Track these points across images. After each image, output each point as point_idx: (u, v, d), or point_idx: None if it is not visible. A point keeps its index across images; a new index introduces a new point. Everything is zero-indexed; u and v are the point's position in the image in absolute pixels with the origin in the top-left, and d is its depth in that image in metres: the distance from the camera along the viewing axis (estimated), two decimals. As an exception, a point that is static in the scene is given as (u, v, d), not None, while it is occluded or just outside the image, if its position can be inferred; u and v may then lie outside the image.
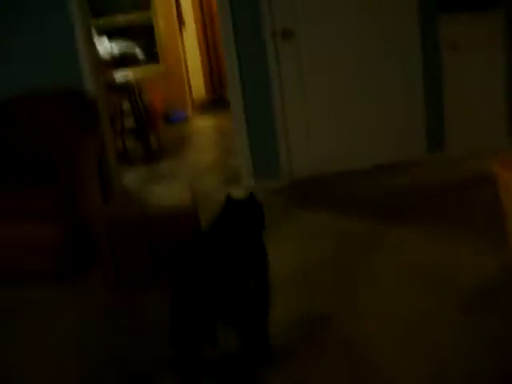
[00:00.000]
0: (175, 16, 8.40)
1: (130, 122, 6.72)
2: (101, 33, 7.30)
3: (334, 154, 4.64)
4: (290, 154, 4.62)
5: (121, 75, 6.88)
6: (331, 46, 4.49)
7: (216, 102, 8.86)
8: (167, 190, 4.11)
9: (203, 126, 7.88)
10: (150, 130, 6.63)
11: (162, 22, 8.26)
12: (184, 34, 8.82)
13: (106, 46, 6.94)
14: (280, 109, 4.53)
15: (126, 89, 6.53)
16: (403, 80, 4.57)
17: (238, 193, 2.93)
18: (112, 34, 7.54)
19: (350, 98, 4.59)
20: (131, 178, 5.51)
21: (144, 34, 8.39)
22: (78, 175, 3.68)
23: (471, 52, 4.52)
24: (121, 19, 8.21)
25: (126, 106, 6.64)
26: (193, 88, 9.02)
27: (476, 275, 2.92)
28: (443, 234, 3.43)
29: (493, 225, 3.21)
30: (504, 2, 4.50)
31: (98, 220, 3.34)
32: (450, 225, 3.55)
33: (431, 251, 3.24)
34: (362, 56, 4.53)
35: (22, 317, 3.20)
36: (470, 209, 3.74)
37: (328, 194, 4.38)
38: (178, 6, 8.56)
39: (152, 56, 8.31)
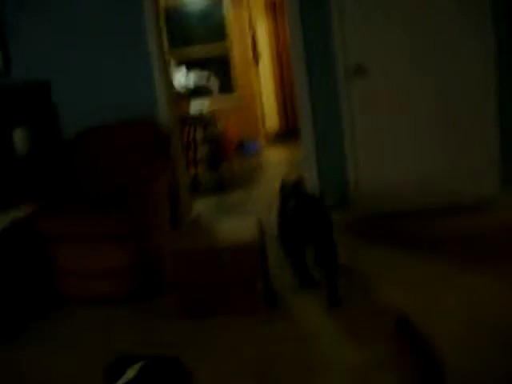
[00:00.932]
0: (251, 48, 8.56)
1: (203, 152, 6.87)
2: (179, 63, 7.52)
3: (403, 191, 4.53)
4: (358, 189, 4.56)
5: (195, 105, 7.04)
6: (404, 83, 4.42)
7: (288, 133, 8.91)
8: (236, 222, 4.14)
9: (275, 157, 7.93)
10: (223, 160, 6.73)
11: (238, 54, 8.43)
12: (259, 65, 8.97)
13: (182, 77, 7.13)
14: (350, 144, 4.49)
15: (200, 118, 6.68)
16: (476, 116, 4.42)
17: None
18: (190, 65, 7.75)
19: (421, 135, 4.49)
20: (202, 207, 5.58)
21: (220, 65, 8.60)
22: (149, 203, 3.77)
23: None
24: (198, 50, 8.46)
25: (200, 135, 6.79)
26: (266, 119, 9.12)
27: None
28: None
29: None
30: None
31: (166, 248, 3.40)
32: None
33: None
34: (435, 93, 4.43)
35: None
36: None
37: (395, 232, 4.28)
38: (254, 38, 8.72)
39: (227, 87, 8.49)
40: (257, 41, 8.87)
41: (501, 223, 4.17)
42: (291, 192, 3.60)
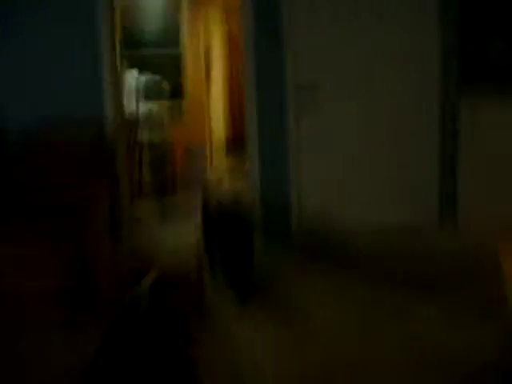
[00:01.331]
0: (203, 55, 8.56)
1: (148, 155, 6.81)
2: (131, 66, 7.45)
3: (345, 211, 4.61)
4: (301, 206, 4.61)
5: (144, 107, 6.99)
6: (352, 102, 4.53)
7: (235, 142, 8.94)
8: (177, 229, 4.12)
9: (221, 164, 7.94)
10: (168, 165, 6.69)
11: (191, 60, 8.41)
12: (211, 73, 8.97)
13: (133, 78, 7.07)
14: (295, 158, 4.56)
15: (148, 120, 6.63)
16: (421, 145, 4.56)
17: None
18: (141, 68, 7.69)
19: (365, 156, 4.59)
20: (144, 210, 5.53)
21: (172, 70, 8.55)
22: (89, 224, 3.69)
23: (492, 127, 4.51)
24: (151, 53, 8.40)
25: (146, 138, 6.74)
26: (214, 127, 9.13)
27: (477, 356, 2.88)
28: (448, 306, 3.39)
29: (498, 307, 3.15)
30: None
31: (105, 263, 3.34)
32: (455, 296, 3.52)
33: (435, 322, 3.20)
34: (382, 116, 4.55)
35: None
36: (476, 282, 3.70)
37: (337, 253, 4.34)
38: (208, 45, 8.73)
39: (178, 92, 8.45)
40: (210, 48, 8.87)
41: (436, 247, 4.32)
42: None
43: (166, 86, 7.54)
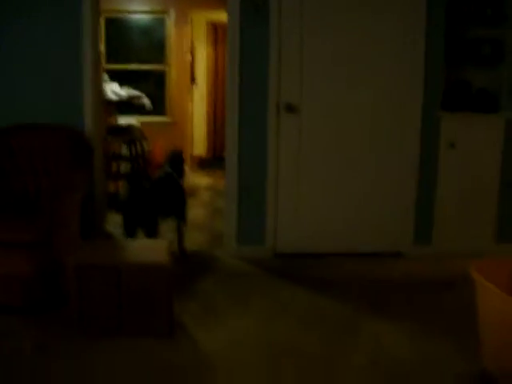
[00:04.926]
0: (188, 74, 8.56)
1: (126, 167, 6.75)
2: (113, 78, 7.41)
3: (320, 234, 4.61)
4: (277, 226, 4.58)
5: (125, 120, 6.94)
6: (332, 125, 4.53)
7: (215, 160, 8.91)
8: (147, 241, 4.09)
9: (198, 182, 7.89)
10: (144, 178, 6.61)
11: (174, 75, 8.40)
12: (194, 91, 8.97)
13: (115, 90, 7.02)
14: (273, 180, 4.52)
15: (128, 133, 6.57)
16: (398, 171, 4.59)
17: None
18: (124, 81, 7.65)
19: (343, 180, 4.59)
20: (117, 222, 5.45)
21: (155, 84, 8.54)
22: (60, 210, 3.64)
23: (469, 152, 4.58)
24: (135, 66, 8.40)
25: (125, 150, 6.68)
26: (194, 143, 9.10)
27: (444, 379, 2.86)
28: (418, 331, 3.36)
29: (468, 329, 3.15)
30: (507, 108, 4.60)
31: (71, 260, 3.28)
32: (426, 322, 3.49)
33: (404, 347, 3.18)
34: (361, 141, 4.56)
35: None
36: (449, 309, 3.70)
37: (309, 273, 4.31)
38: (193, 63, 8.73)
39: (160, 106, 8.43)
40: (195, 65, 8.88)
41: (406, 274, 4.33)
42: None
43: (146, 101, 7.51)
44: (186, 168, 8.23)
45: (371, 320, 3.53)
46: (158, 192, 4.39)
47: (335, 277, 4.25)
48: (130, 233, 4.25)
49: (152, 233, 4.25)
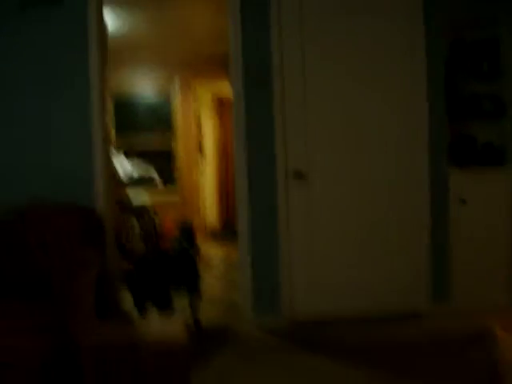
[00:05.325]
0: (196, 146, 8.70)
1: (139, 244, 6.77)
2: (124, 152, 7.54)
3: (335, 299, 4.53)
4: (292, 294, 4.52)
5: (136, 196, 7.01)
6: (341, 189, 4.54)
7: (227, 231, 8.93)
8: (164, 320, 4.05)
9: (212, 254, 7.88)
10: (157, 252, 6.62)
11: (183, 148, 8.54)
12: (203, 161, 9.09)
13: (125, 166, 7.14)
14: (287, 247, 4.50)
15: (139, 211, 6.63)
16: (411, 229, 4.56)
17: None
18: (133, 155, 7.78)
19: (355, 244, 4.56)
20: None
21: (164, 158, 8.68)
22: (74, 289, 3.62)
23: (479, 207, 4.57)
24: (143, 140, 8.53)
25: (137, 227, 6.72)
26: (206, 215, 9.14)
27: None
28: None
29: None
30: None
31: (87, 341, 3.25)
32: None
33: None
34: (371, 199, 4.55)
35: None
36: (470, 368, 3.57)
37: (327, 341, 4.22)
38: (200, 136, 8.89)
39: (169, 179, 8.53)
40: (202, 136, 9.03)
41: (427, 334, 4.23)
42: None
43: (154, 173, 7.62)
44: (199, 239, 8.27)
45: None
46: (168, 265, 4.39)
47: (354, 343, 4.15)
48: (140, 308, 4.20)
49: (164, 307, 4.20)
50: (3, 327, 3.44)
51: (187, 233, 4.73)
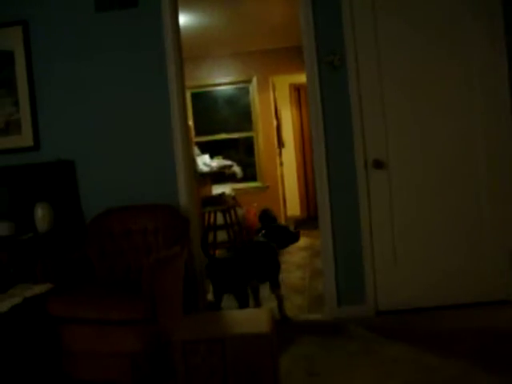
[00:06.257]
0: (275, 137, 8.73)
1: (223, 236, 6.89)
2: (203, 150, 7.69)
3: (420, 287, 4.46)
4: (376, 283, 4.49)
5: (218, 190, 7.13)
6: (420, 178, 4.46)
7: (310, 219, 8.94)
8: (250, 312, 4.09)
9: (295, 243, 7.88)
10: (241, 244, 6.72)
11: (262, 141, 8.60)
12: (283, 152, 9.12)
13: (206, 162, 7.28)
14: (368, 236, 4.47)
15: (222, 203, 6.74)
16: (501, 212, 4.41)
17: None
18: (214, 152, 7.93)
19: (439, 230, 4.46)
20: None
21: (244, 152, 8.78)
22: (163, 288, 3.75)
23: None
24: (223, 137, 8.68)
25: (221, 219, 6.83)
26: (288, 205, 9.18)
27: None
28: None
29: None
30: None
31: (176, 336, 3.35)
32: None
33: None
34: (455, 191, 4.45)
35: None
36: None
37: (413, 330, 4.14)
38: (279, 128, 8.91)
39: (251, 172, 8.63)
40: (281, 128, 9.05)
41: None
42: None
43: (237, 169, 7.72)
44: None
45: (486, 380, 3.30)
46: (247, 258, 4.40)
47: (440, 331, 4.05)
48: (217, 300, 4.28)
49: (243, 300, 4.24)
50: (100, 319, 3.62)
51: (266, 219, 4.79)
